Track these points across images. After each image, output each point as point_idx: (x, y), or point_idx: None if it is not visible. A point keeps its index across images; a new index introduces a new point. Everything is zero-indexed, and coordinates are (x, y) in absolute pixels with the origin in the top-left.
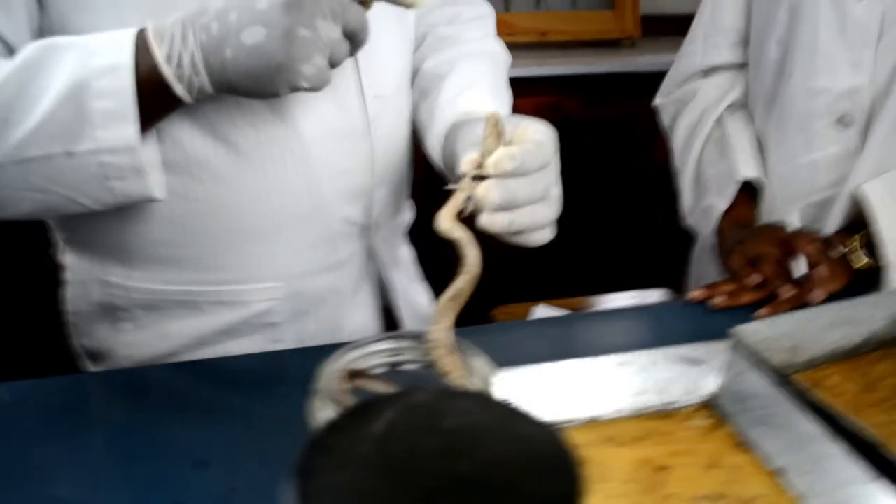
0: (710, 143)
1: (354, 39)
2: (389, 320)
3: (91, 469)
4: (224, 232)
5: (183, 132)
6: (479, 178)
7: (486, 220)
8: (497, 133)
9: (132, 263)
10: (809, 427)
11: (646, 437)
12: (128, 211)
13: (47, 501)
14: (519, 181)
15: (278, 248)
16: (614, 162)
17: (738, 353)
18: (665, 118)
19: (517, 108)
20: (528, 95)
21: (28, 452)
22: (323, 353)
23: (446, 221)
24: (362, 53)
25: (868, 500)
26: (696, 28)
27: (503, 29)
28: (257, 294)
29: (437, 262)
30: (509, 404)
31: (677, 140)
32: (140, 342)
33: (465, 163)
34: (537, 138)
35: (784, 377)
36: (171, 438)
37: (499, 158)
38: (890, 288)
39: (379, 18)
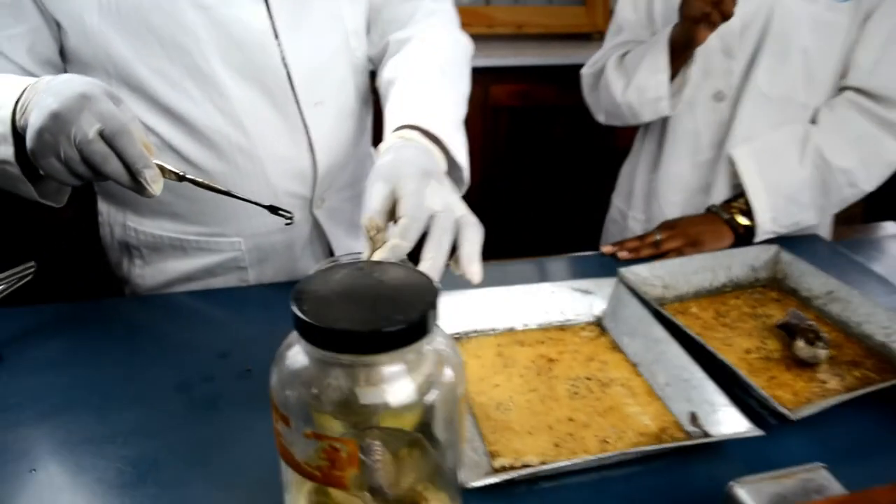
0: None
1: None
2: None
3: (141, 352)
4: (199, 199)
5: (162, 128)
6: None
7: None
8: (374, 237)
9: (140, 213)
10: (658, 333)
11: (545, 341)
12: None
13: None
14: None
15: (238, 213)
16: (581, 145)
17: (620, 287)
18: (585, 86)
19: (494, 95)
20: (505, 83)
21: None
22: None
23: None
24: (297, 74)
25: (691, 379)
26: (609, 30)
27: (483, 21)
28: (226, 245)
29: None
30: (410, 267)
31: (607, 70)
32: (146, 274)
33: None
34: (403, 226)
35: (649, 304)
36: (202, 337)
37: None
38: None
39: (318, 35)
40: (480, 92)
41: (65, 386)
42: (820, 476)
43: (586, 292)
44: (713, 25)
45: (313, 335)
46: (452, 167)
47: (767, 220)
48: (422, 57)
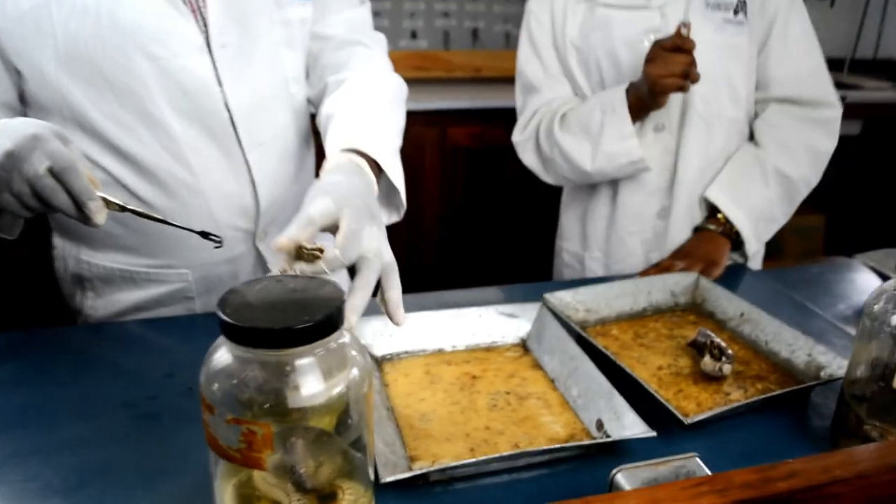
0: (571, 113)
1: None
2: None
3: (90, 374)
4: (149, 232)
5: (114, 167)
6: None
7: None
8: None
9: (93, 246)
10: (574, 351)
11: (471, 360)
12: None
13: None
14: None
15: (186, 245)
16: (532, 184)
17: (544, 310)
18: (525, 150)
19: (451, 136)
20: (462, 125)
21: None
22: None
23: None
24: (239, 118)
25: (601, 391)
26: (517, 90)
27: (442, 65)
28: (174, 276)
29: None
30: (324, 279)
31: (559, 138)
32: (98, 306)
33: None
34: (332, 258)
35: (570, 326)
36: (148, 361)
37: None
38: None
39: (258, 82)
40: (439, 133)
41: (17, 404)
42: (691, 464)
43: (512, 316)
44: (682, 91)
45: (236, 334)
46: (391, 192)
47: (753, 243)
48: (361, 91)
